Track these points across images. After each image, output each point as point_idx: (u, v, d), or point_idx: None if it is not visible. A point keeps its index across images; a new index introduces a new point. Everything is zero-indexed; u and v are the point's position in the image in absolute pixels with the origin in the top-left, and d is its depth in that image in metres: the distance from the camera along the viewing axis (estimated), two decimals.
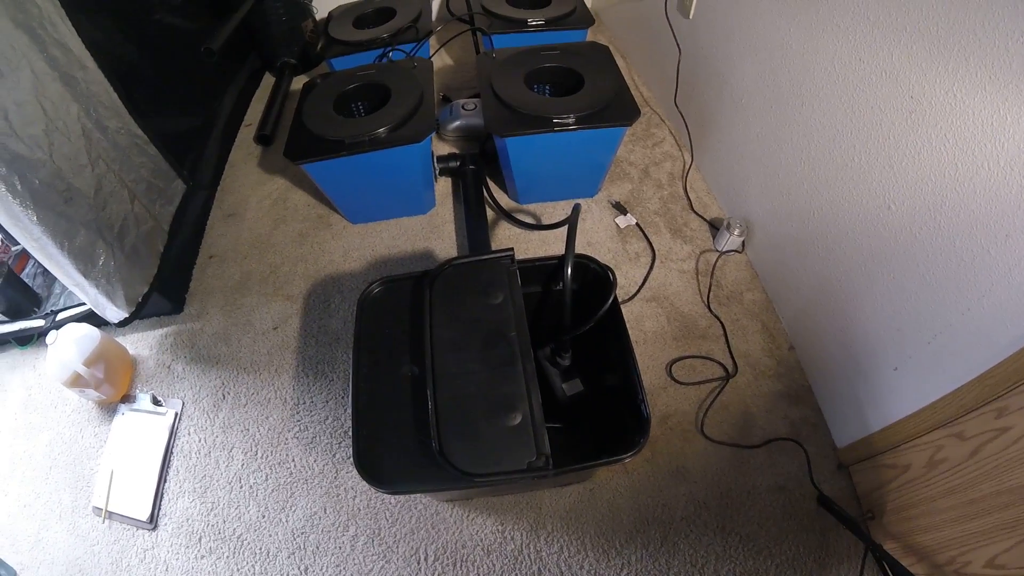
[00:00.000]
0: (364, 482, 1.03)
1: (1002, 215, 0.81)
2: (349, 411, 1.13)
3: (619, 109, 1.37)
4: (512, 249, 1.03)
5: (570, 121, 1.33)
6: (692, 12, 1.55)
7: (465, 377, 0.88)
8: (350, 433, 1.22)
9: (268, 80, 2.18)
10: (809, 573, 1.09)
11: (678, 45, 1.63)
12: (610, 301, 0.98)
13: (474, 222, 1.56)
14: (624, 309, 1.33)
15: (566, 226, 1.13)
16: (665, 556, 1.10)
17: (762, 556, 1.10)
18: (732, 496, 1.16)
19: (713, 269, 1.49)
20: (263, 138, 1.84)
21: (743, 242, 1.50)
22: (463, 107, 1.74)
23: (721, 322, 1.39)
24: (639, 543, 1.11)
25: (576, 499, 1.16)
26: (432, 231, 1.62)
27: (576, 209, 1.11)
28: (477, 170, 1.66)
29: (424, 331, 0.94)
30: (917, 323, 0.99)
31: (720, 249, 1.52)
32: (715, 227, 1.57)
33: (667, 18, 1.64)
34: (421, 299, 0.99)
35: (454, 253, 1.56)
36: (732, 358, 1.33)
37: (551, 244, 1.56)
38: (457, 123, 1.73)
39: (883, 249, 1.04)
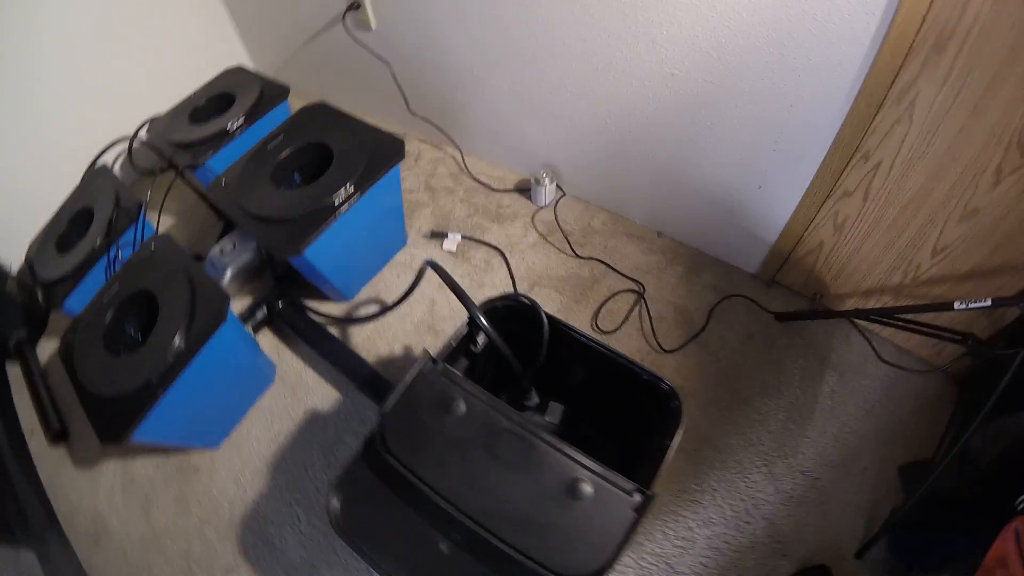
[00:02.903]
0: None
1: (778, 22, 0.92)
2: None
3: (383, 149, 1.26)
4: (428, 353, 0.90)
5: (350, 191, 1.19)
6: (372, 22, 1.48)
7: (508, 499, 0.76)
8: None
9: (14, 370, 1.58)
10: (822, 372, 1.22)
11: (382, 59, 1.55)
12: (547, 325, 0.92)
13: (328, 351, 1.35)
14: None
15: (416, 288, 1.04)
16: (733, 461, 1.14)
17: (781, 390, 1.21)
18: (725, 375, 1.24)
19: (558, 223, 1.51)
20: (58, 435, 1.37)
21: (557, 185, 1.54)
22: (221, 253, 1.46)
23: (596, 259, 1.43)
24: (703, 469, 1.14)
25: None
26: (295, 392, 1.36)
27: (434, 265, 1.01)
28: (286, 301, 1.43)
29: (429, 495, 0.78)
30: (754, 144, 1.11)
31: (545, 204, 1.54)
32: (524, 190, 1.58)
33: (353, 39, 1.55)
34: (390, 470, 0.82)
35: (332, 395, 1.34)
36: (629, 278, 1.38)
37: (416, 310, 1.42)
38: (228, 273, 1.45)
39: (688, 107, 1.14)
